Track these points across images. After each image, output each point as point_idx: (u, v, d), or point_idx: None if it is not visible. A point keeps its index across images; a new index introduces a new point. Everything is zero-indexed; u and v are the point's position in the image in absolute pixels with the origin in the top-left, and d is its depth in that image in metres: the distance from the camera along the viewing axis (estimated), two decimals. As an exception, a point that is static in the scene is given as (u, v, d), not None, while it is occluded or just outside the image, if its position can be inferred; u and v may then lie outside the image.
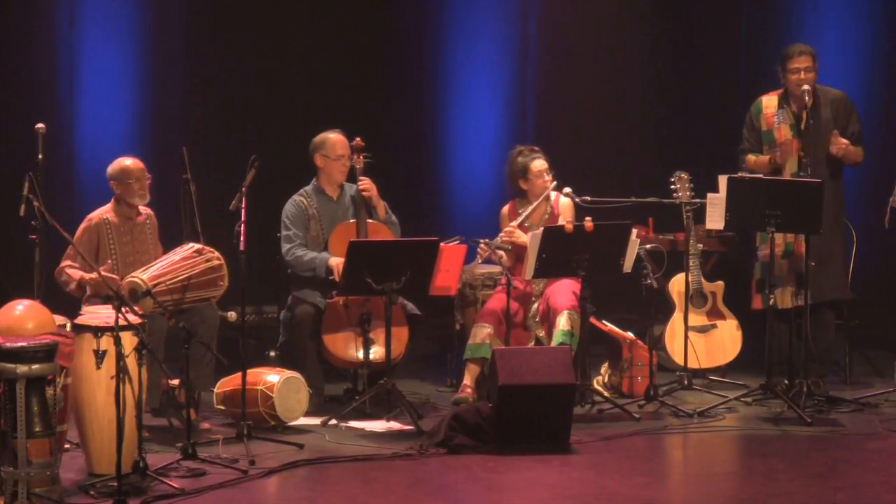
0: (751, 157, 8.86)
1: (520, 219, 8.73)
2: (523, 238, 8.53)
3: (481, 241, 8.62)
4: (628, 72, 10.91)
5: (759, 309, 8.80)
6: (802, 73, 8.68)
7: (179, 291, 7.54)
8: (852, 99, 8.95)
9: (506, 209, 8.89)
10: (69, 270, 7.78)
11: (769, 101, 8.87)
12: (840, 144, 8.65)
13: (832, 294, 8.78)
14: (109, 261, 7.73)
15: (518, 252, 8.60)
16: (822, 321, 8.73)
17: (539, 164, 8.75)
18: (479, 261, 8.73)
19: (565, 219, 8.56)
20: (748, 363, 9.20)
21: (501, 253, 8.60)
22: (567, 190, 8.73)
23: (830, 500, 6.55)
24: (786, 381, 8.37)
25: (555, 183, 8.73)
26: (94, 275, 7.47)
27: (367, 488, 6.76)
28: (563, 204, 8.76)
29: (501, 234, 8.68)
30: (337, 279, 8.26)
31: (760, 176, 8.52)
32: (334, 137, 8.65)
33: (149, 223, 8.05)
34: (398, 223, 8.70)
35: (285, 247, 8.53)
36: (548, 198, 8.76)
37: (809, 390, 8.26)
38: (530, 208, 8.74)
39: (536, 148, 8.85)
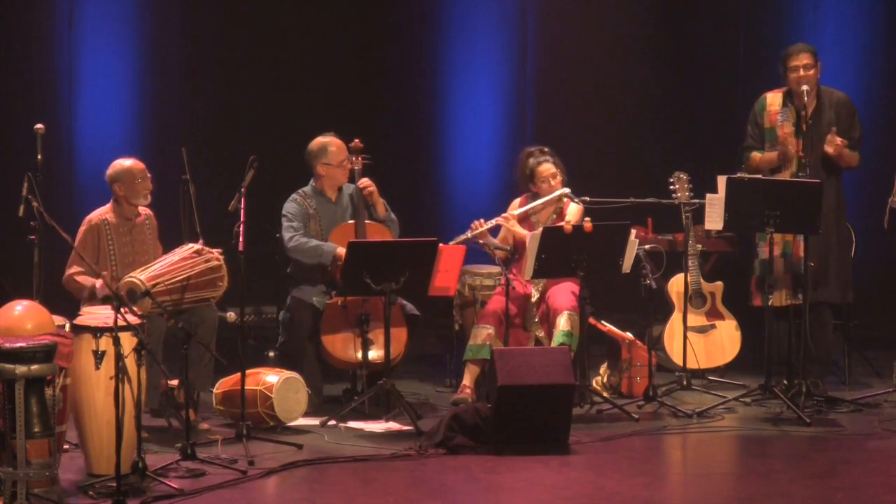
0: (756, 155, 8.84)
1: (525, 208, 8.73)
2: (517, 228, 8.56)
3: (476, 223, 8.56)
4: (628, 72, 10.91)
5: (758, 306, 8.79)
6: (801, 70, 8.67)
7: (178, 292, 7.54)
8: (853, 100, 8.94)
9: (517, 202, 8.88)
10: (79, 278, 7.79)
11: (773, 99, 8.86)
12: (836, 143, 8.64)
13: (831, 297, 8.76)
14: (105, 273, 7.70)
15: (517, 249, 8.62)
16: (820, 321, 8.72)
17: (546, 168, 8.73)
18: (464, 237, 8.62)
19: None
20: (747, 363, 9.20)
21: (500, 254, 8.61)
22: (566, 190, 8.72)
23: (829, 501, 6.55)
24: (785, 382, 8.37)
25: (566, 189, 8.71)
26: (100, 281, 7.50)
27: (366, 489, 6.77)
28: (572, 210, 8.73)
29: (499, 217, 8.67)
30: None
31: (759, 177, 8.51)
32: (333, 143, 8.62)
33: (148, 223, 8.05)
34: (397, 221, 8.70)
35: (288, 235, 8.49)
36: (558, 199, 8.75)
37: (808, 391, 8.26)
38: (538, 202, 8.74)
39: (546, 149, 8.82)
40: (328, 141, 8.63)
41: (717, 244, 9.64)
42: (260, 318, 9.83)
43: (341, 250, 8.28)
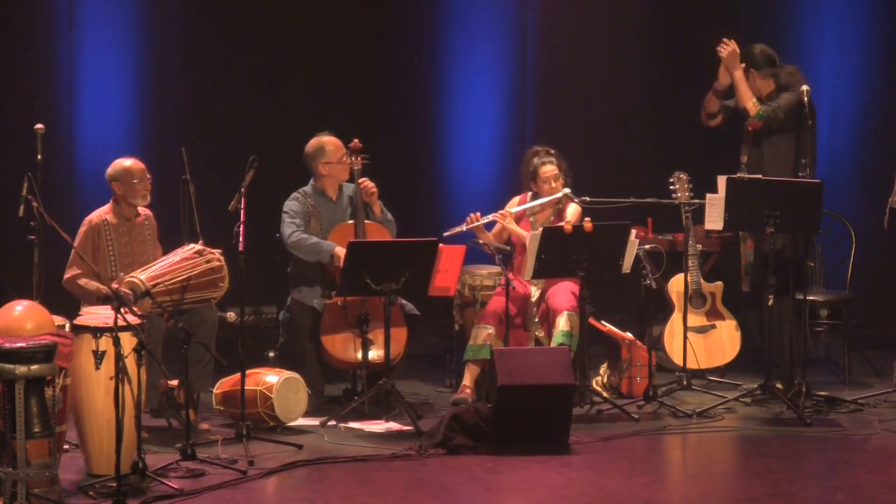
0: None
1: (523, 206, 8.73)
2: (513, 226, 8.56)
3: (473, 216, 8.56)
4: (628, 71, 10.91)
5: (746, 292, 8.78)
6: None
7: (178, 292, 7.54)
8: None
9: (516, 199, 8.88)
10: (81, 281, 7.79)
11: None
12: (727, 46, 8.62)
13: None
14: (122, 274, 7.71)
15: (518, 249, 8.63)
16: (779, 317, 8.55)
17: (548, 169, 8.73)
18: (459, 228, 8.62)
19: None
20: (747, 363, 9.20)
21: (500, 254, 8.62)
22: (566, 191, 8.72)
23: (829, 501, 6.56)
24: (758, 385, 8.35)
25: (566, 190, 8.71)
26: (106, 290, 7.50)
27: (366, 489, 6.77)
28: (571, 210, 8.73)
29: (496, 213, 8.66)
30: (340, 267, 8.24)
31: (759, 176, 8.51)
32: (331, 142, 8.63)
33: (148, 224, 8.06)
34: (394, 221, 8.70)
35: (288, 231, 8.46)
36: (557, 201, 8.75)
37: (808, 390, 8.26)
38: (536, 202, 8.74)
39: (553, 151, 8.82)
40: (324, 140, 8.64)
41: (717, 244, 9.64)
42: (260, 318, 9.83)
43: (340, 250, 8.28)
